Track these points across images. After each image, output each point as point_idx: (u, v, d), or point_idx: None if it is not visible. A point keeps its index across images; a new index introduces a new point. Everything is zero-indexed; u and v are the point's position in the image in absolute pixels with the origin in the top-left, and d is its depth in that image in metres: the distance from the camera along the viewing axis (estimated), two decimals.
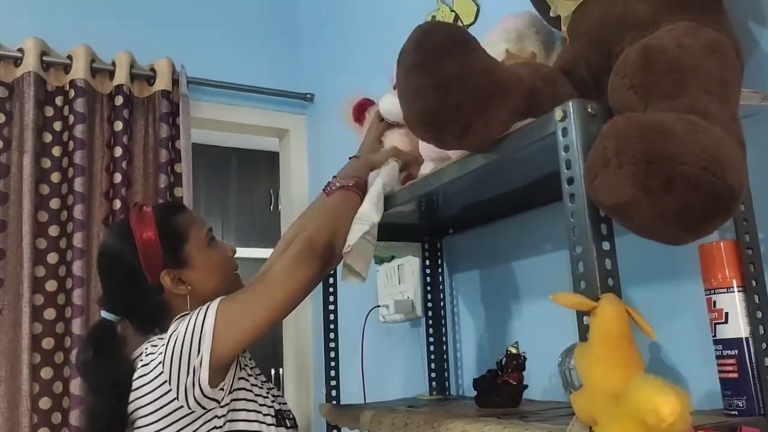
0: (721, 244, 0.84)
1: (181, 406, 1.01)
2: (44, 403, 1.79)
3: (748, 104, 0.82)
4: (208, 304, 1.05)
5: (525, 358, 1.13)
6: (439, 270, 1.56)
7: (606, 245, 0.72)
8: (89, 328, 1.41)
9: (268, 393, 1.14)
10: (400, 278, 1.70)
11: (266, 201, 4.11)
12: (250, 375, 1.13)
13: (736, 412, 0.81)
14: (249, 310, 1.05)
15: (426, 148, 1.20)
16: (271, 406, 1.12)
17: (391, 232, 1.51)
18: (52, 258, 1.89)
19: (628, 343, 0.67)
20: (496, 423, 0.89)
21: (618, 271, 0.73)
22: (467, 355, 1.51)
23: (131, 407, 1.06)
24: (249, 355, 1.21)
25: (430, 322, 1.54)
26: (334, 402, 1.42)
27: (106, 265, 1.18)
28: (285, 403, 1.18)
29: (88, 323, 1.84)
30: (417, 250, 1.58)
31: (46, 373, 1.81)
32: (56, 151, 1.96)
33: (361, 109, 1.45)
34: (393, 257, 1.72)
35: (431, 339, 1.53)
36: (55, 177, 1.94)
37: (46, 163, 1.95)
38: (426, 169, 1.23)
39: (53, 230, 1.91)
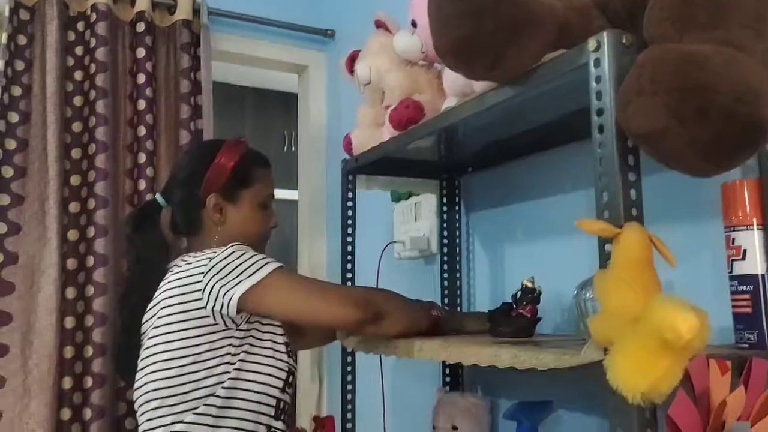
0: (744, 182, 0.84)
1: (205, 312, 1.12)
2: (69, 322, 1.85)
3: None
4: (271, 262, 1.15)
5: (540, 292, 1.16)
6: (456, 208, 1.58)
7: (632, 176, 0.74)
8: (141, 204, 1.62)
9: (286, 349, 1.22)
10: (417, 216, 1.72)
11: (280, 142, 4.11)
12: (278, 326, 1.22)
13: (747, 345, 0.83)
14: (300, 295, 1.17)
15: (451, 82, 1.20)
16: (287, 362, 1.22)
17: (410, 168, 1.53)
18: (75, 180, 1.92)
19: (649, 269, 0.69)
20: (510, 347, 0.92)
21: (642, 202, 0.74)
22: (480, 291, 1.54)
23: (159, 305, 1.17)
24: None
25: (445, 258, 1.57)
26: None
27: (186, 157, 1.43)
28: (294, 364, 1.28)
29: (109, 244, 1.88)
30: (435, 187, 1.60)
31: (70, 292, 1.87)
32: (78, 75, 1.96)
33: (352, 61, 1.44)
34: (410, 195, 1.74)
35: (445, 275, 1.56)
36: (78, 100, 1.95)
37: (69, 86, 1.95)
38: (450, 104, 1.23)
39: (75, 153, 1.94)
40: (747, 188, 0.84)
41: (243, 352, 1.16)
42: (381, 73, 1.36)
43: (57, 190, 1.86)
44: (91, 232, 1.89)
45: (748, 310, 0.83)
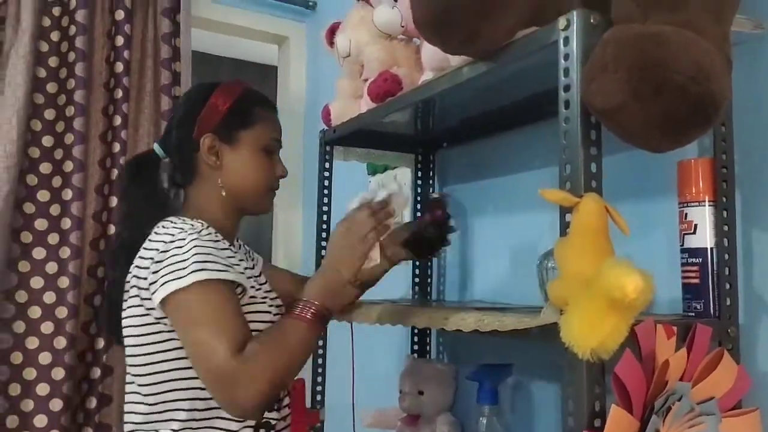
0: (699, 161, 0.90)
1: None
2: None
3: (739, 31, 0.87)
4: (195, 267, 0.97)
5: (447, 197, 1.18)
6: (430, 182, 1.62)
7: (593, 150, 0.78)
8: (137, 154, 1.34)
9: (271, 305, 1.13)
10: None
11: None
12: (258, 289, 1.12)
13: (693, 314, 0.89)
14: (201, 337, 0.96)
15: (428, 57, 1.23)
16: (272, 321, 1.10)
17: (386, 141, 1.56)
18: (49, 114, 1.95)
19: (604, 237, 0.74)
20: (475, 312, 0.96)
21: (601, 175, 0.79)
22: (450, 263, 1.58)
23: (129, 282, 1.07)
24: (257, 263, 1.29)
25: None
26: None
27: (181, 99, 1.32)
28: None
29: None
30: (410, 161, 1.63)
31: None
32: (54, 35, 1.96)
33: (332, 33, 1.46)
34: (386, 168, 1.78)
35: None
36: (53, 61, 1.96)
37: (44, 47, 1.95)
38: (427, 78, 1.26)
39: (51, 87, 1.97)
40: (701, 166, 0.89)
41: None
42: (360, 46, 1.38)
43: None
44: (69, 138, 1.94)
45: (696, 281, 0.89)
